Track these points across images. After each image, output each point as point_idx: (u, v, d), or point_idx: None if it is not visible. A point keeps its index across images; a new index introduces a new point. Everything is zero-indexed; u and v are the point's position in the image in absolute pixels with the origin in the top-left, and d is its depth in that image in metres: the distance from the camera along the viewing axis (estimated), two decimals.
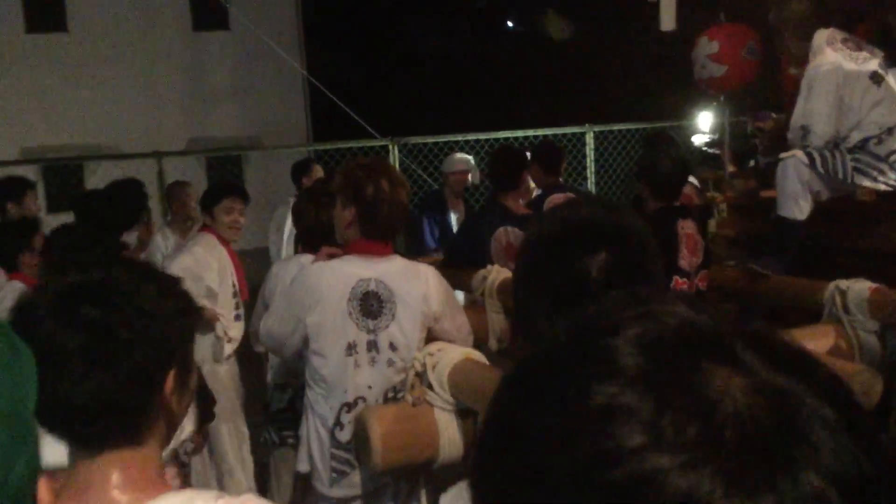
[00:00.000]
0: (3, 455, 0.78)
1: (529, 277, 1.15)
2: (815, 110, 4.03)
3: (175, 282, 1.23)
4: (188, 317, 1.19)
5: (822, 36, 4.05)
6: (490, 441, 0.52)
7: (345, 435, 2.87)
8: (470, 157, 6.43)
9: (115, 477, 1.07)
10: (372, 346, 2.86)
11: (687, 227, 4.16)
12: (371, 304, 2.84)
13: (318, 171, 6.35)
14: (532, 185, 6.84)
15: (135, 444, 1.10)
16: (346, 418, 2.86)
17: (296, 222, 3.72)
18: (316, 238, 3.39)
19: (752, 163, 5.89)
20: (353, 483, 2.88)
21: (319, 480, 2.94)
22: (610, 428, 0.43)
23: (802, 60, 4.19)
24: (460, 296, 5.58)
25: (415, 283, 2.91)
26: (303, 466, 3.00)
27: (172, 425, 1.17)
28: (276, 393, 3.35)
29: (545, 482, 0.45)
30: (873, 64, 4.03)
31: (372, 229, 2.83)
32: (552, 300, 1.09)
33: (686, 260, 4.08)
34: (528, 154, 6.89)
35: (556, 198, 5.00)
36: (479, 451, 0.53)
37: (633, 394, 0.44)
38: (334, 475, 2.89)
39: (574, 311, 1.08)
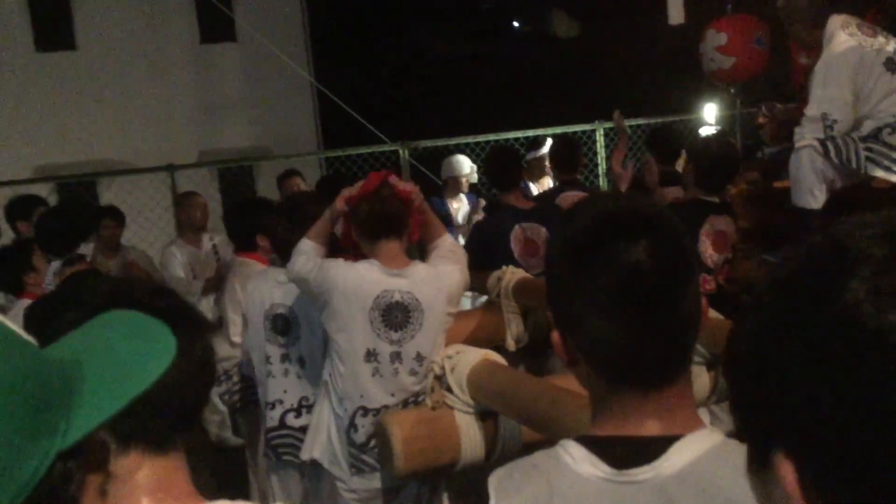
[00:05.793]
0: (21, 440, 0.74)
1: (571, 279, 1.07)
2: (834, 97, 3.91)
3: (168, 289, 1.22)
4: None
5: (836, 21, 3.97)
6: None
7: (359, 437, 2.86)
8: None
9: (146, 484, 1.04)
10: (395, 357, 2.84)
11: (718, 223, 4.03)
12: (395, 316, 2.82)
13: (296, 183, 5.99)
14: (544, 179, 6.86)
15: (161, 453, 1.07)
16: (362, 422, 2.86)
17: (270, 237, 3.43)
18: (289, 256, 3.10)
19: (758, 154, 5.85)
20: (373, 478, 2.88)
21: (340, 467, 2.93)
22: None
23: (813, 48, 4.13)
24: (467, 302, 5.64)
25: (439, 288, 2.89)
26: (310, 454, 2.97)
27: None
28: (267, 411, 3.32)
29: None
30: (889, 51, 3.97)
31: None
32: (604, 298, 1.03)
33: (710, 257, 3.98)
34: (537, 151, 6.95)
35: (569, 195, 4.98)
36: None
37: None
38: (353, 469, 2.89)
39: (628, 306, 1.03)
